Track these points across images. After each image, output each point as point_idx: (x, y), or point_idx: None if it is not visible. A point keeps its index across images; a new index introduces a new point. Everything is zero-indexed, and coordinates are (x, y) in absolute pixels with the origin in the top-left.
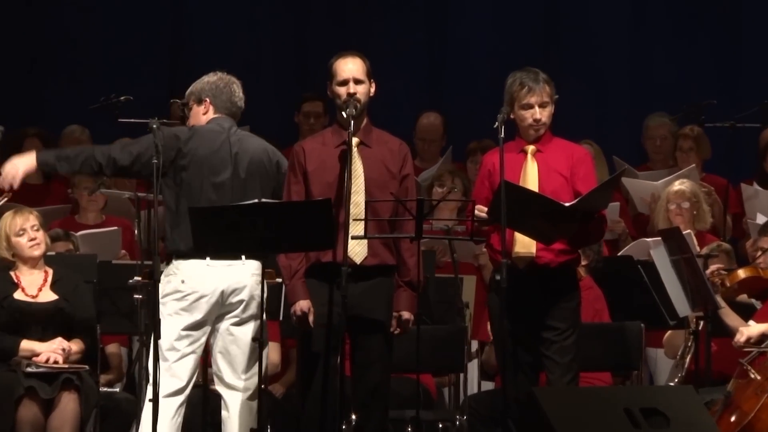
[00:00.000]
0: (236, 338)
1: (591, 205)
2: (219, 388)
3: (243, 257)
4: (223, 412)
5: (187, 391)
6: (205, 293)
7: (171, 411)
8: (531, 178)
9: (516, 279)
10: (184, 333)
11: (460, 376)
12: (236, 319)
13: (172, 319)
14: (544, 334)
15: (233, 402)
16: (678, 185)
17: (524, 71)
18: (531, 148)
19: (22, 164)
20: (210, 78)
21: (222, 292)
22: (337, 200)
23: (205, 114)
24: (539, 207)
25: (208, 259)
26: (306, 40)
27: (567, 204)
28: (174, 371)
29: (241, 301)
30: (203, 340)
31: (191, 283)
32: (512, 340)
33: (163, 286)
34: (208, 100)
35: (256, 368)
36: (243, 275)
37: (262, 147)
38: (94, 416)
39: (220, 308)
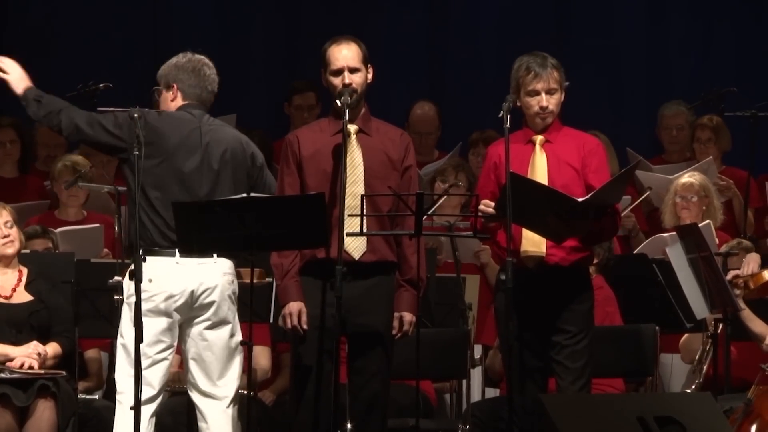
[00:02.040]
0: (210, 343)
1: (604, 200)
2: (193, 396)
3: (215, 255)
4: (201, 423)
5: (158, 400)
6: (173, 293)
7: (143, 420)
8: (540, 171)
9: (525, 279)
10: (155, 338)
11: (462, 383)
12: (208, 323)
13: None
14: (554, 337)
15: (210, 412)
16: (687, 177)
17: (531, 55)
18: (539, 138)
19: (14, 80)
20: (179, 60)
21: (192, 292)
22: (334, 192)
23: (173, 101)
24: (550, 202)
25: (177, 256)
26: (297, 22)
27: (580, 199)
28: (145, 378)
29: (212, 303)
30: (175, 345)
31: (159, 283)
32: (520, 344)
33: (128, 285)
34: (176, 86)
35: (232, 374)
36: (214, 274)
37: (236, 138)
38: (72, 425)
39: (190, 310)
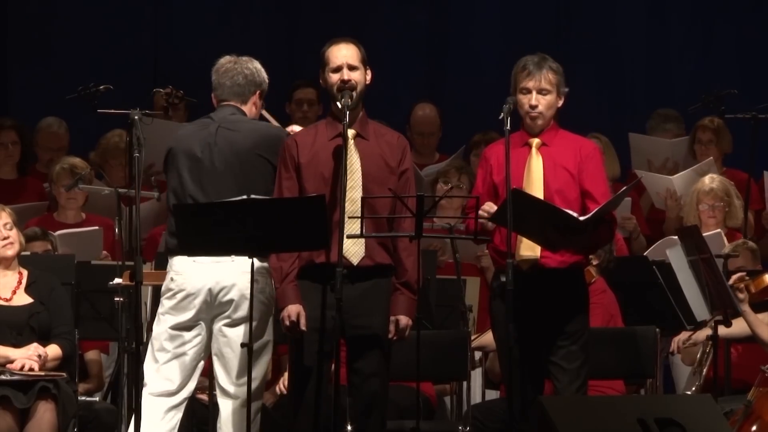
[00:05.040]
0: (229, 340)
1: (604, 214)
2: (217, 394)
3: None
4: (218, 422)
5: (181, 396)
6: (191, 291)
7: (159, 412)
8: (536, 174)
9: (520, 281)
10: (174, 333)
11: (462, 385)
12: (228, 320)
13: (164, 318)
14: (549, 339)
15: (225, 409)
16: (708, 183)
17: (533, 55)
18: (536, 141)
19: None
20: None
21: (210, 290)
22: (332, 196)
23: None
24: (550, 217)
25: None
26: (297, 23)
27: (582, 218)
28: (164, 372)
29: (230, 301)
30: (197, 342)
31: (179, 281)
32: (517, 346)
33: (166, 283)
34: (213, 93)
35: (253, 374)
36: (232, 273)
37: (252, 137)
38: (72, 427)
39: (212, 308)
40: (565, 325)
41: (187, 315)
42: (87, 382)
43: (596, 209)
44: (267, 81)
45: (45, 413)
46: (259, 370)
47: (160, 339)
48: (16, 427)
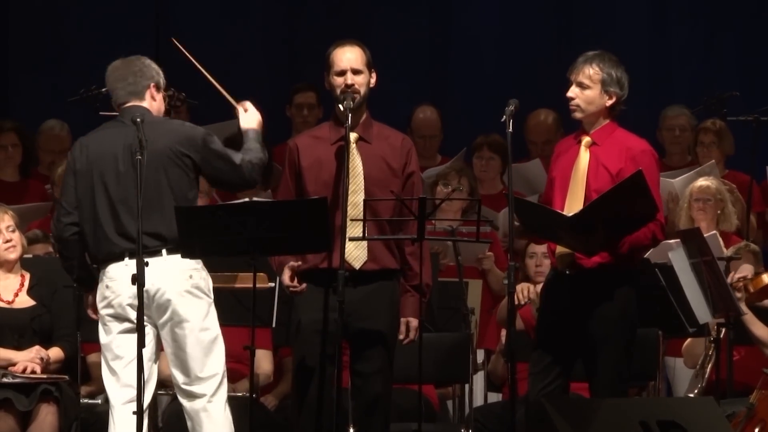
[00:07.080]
0: (180, 343)
1: (603, 212)
2: (180, 398)
3: (164, 252)
4: (188, 423)
5: (145, 399)
6: (128, 296)
7: (127, 417)
8: (581, 173)
9: (558, 282)
10: (122, 339)
11: (465, 387)
12: (172, 322)
13: (107, 328)
14: (585, 341)
15: (193, 409)
16: (703, 181)
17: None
18: (586, 139)
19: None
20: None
21: (146, 292)
22: (334, 200)
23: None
24: (550, 219)
25: (126, 259)
26: (299, 26)
27: (570, 214)
28: (123, 380)
29: (168, 301)
30: (147, 341)
31: (114, 287)
32: (550, 347)
33: (98, 295)
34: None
35: (210, 369)
36: (164, 272)
37: (171, 136)
38: (74, 429)
39: (151, 310)
40: (599, 329)
41: (128, 322)
42: (89, 385)
43: (587, 205)
44: (161, 73)
45: (47, 416)
46: (217, 365)
47: (111, 349)
48: (18, 429)
